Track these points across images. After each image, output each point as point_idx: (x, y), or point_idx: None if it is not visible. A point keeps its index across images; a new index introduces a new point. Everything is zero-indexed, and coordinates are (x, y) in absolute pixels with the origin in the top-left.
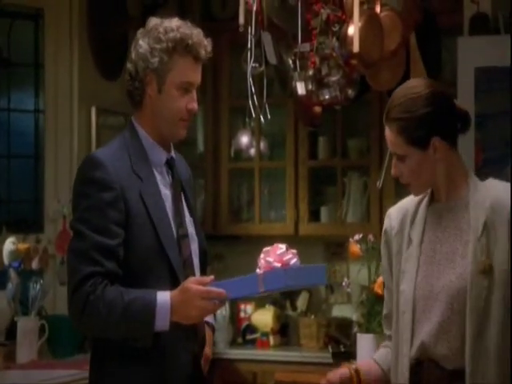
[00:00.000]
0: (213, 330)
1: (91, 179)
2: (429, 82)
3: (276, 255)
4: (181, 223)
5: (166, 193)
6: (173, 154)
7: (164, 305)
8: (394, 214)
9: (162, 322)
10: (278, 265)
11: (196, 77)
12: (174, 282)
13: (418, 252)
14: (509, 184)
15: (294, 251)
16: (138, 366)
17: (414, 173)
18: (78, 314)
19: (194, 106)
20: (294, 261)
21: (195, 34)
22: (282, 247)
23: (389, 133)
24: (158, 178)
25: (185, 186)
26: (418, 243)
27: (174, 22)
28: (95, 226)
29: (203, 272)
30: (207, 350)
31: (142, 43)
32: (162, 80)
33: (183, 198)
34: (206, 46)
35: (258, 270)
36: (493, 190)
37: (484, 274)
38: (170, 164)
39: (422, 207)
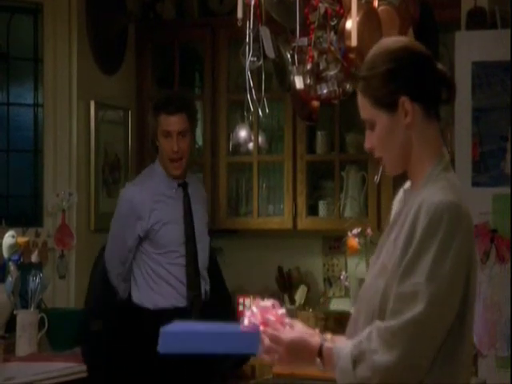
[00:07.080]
0: None
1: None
2: (403, 39)
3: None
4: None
5: (179, 205)
6: (187, 179)
7: None
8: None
9: None
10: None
11: (172, 126)
12: None
13: (377, 250)
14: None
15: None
16: None
17: (382, 141)
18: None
19: (173, 146)
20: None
21: (165, 97)
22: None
23: (358, 96)
24: (173, 195)
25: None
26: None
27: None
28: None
29: None
30: None
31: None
32: (156, 134)
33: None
34: (174, 101)
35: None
36: (427, 191)
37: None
38: (182, 186)
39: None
